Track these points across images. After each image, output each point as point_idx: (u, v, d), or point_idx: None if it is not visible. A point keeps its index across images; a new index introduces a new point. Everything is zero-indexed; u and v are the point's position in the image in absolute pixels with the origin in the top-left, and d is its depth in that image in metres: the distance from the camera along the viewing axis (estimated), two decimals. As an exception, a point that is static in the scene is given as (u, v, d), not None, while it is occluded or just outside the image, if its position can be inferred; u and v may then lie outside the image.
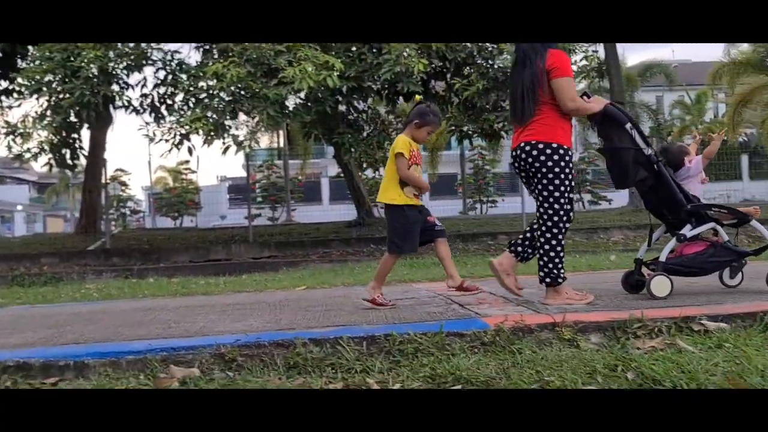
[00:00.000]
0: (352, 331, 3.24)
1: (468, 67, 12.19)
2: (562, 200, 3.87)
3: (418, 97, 4.47)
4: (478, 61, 12.18)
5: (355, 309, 4.17)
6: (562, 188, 3.85)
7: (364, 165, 13.05)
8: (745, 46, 27.45)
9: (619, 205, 22.96)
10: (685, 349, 2.96)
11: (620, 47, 17.35)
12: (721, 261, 4.31)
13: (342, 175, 18.25)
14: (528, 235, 4.10)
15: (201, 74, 10.85)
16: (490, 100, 12.19)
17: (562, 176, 3.84)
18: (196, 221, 27.18)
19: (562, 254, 3.91)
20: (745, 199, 29.77)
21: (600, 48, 16.91)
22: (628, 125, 4.03)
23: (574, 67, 16.25)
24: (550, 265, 3.90)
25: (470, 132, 12.95)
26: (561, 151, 3.84)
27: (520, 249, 4.12)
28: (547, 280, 3.93)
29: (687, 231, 4.19)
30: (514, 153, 3.99)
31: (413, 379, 2.77)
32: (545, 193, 3.87)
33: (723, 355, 2.82)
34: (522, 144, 3.90)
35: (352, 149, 12.59)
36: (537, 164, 3.84)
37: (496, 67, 12.17)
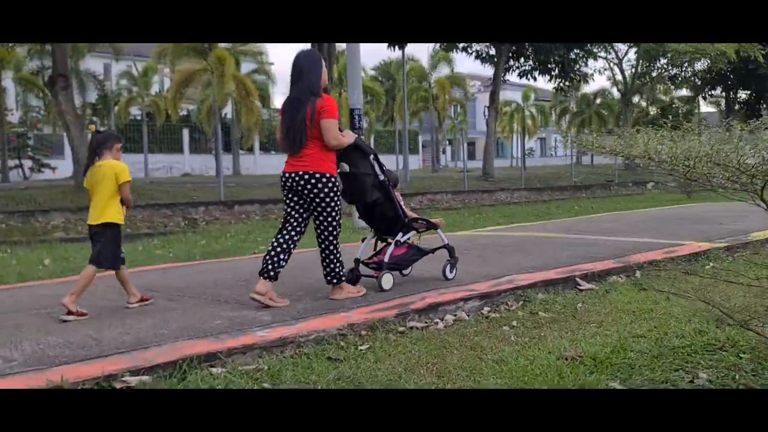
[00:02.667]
0: None
1: None
2: (335, 215, 4.83)
3: (93, 127, 4.90)
4: None
5: None
6: (334, 205, 4.80)
7: None
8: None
9: (64, 176, 22.14)
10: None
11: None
12: (415, 258, 5.53)
13: None
14: (274, 257, 4.69)
15: None
16: None
17: (335, 198, 4.80)
18: None
19: (341, 257, 4.90)
20: (186, 173, 32.12)
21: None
22: (371, 156, 5.03)
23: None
24: (335, 268, 4.87)
25: None
26: (332, 180, 4.78)
27: (272, 273, 4.69)
28: (334, 281, 4.90)
29: (401, 237, 5.34)
30: (289, 177, 4.76)
31: None
32: (324, 214, 4.79)
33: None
34: (301, 173, 4.72)
35: None
36: (315, 191, 4.72)
37: None
